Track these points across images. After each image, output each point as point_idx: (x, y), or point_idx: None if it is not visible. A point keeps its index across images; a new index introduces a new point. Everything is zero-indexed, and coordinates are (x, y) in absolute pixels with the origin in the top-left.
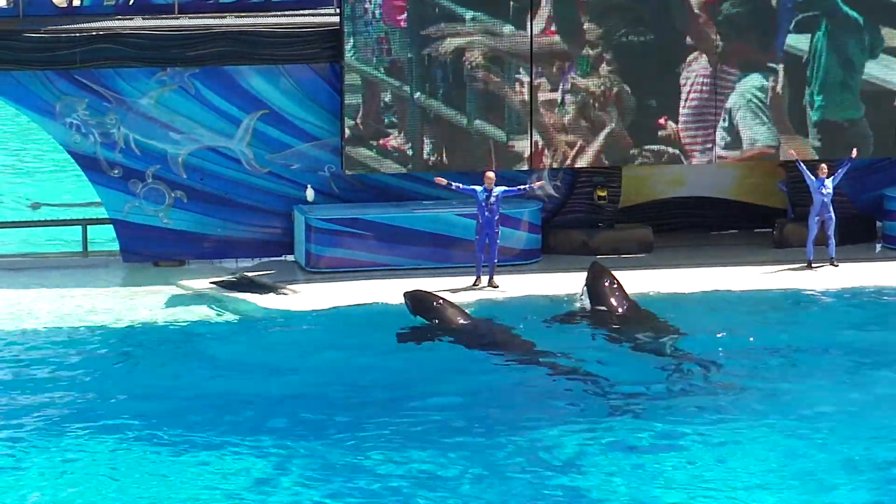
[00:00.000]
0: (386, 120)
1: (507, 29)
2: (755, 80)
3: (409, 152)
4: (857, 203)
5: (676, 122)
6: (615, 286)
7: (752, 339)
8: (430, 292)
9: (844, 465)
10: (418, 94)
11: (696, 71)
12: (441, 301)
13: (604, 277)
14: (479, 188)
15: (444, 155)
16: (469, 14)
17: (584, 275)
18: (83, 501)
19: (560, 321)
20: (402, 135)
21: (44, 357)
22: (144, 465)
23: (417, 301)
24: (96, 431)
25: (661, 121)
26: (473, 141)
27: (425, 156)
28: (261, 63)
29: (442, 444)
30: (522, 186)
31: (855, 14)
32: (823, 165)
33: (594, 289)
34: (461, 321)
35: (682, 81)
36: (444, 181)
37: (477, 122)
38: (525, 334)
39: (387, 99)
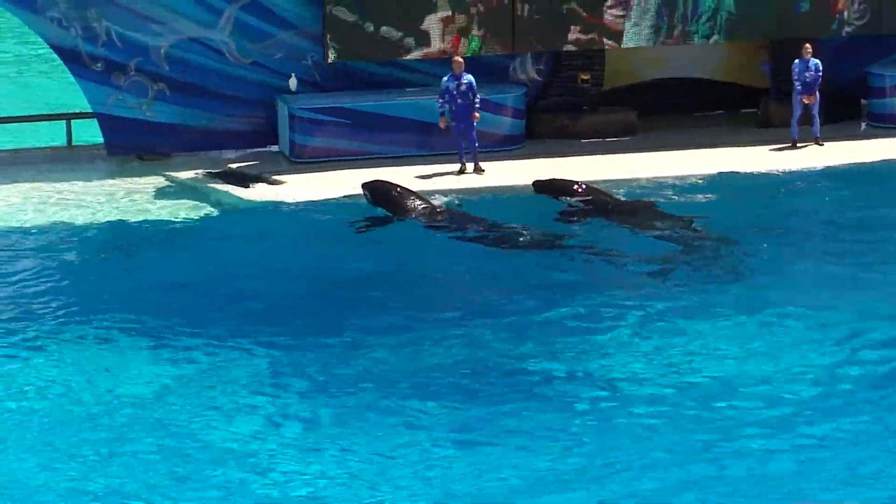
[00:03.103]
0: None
1: None
2: None
3: (392, 39)
4: (840, 82)
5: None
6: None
7: (740, 220)
8: (388, 182)
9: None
10: None
11: None
12: (399, 190)
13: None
14: (445, 78)
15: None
16: None
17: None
18: (75, 397)
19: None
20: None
21: (32, 252)
22: (132, 358)
23: (376, 191)
24: (87, 326)
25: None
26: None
27: (407, 42)
28: None
29: (433, 331)
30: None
31: None
32: (808, 45)
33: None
34: (422, 208)
35: None
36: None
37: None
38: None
39: None
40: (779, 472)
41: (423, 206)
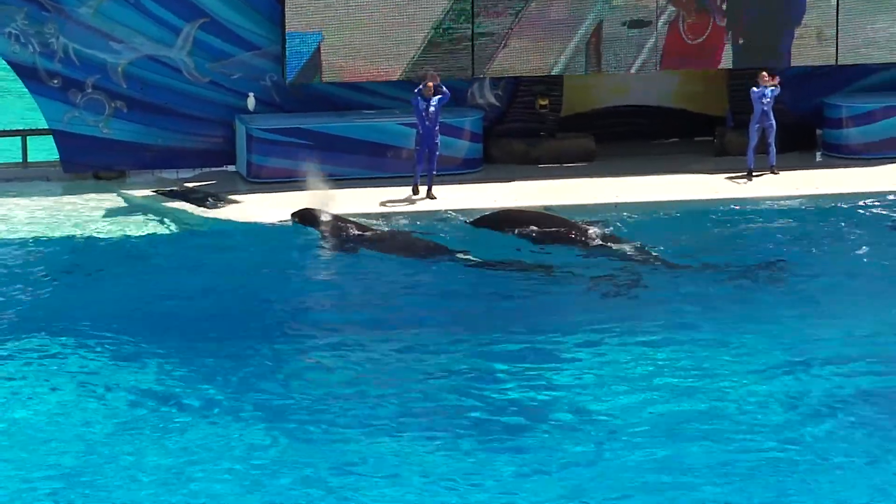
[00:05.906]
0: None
1: None
2: None
3: (350, 61)
4: (796, 111)
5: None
6: None
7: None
8: (315, 210)
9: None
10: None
11: None
12: (329, 217)
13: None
14: (416, 91)
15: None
16: None
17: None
18: (23, 410)
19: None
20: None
21: None
22: (81, 375)
23: (304, 220)
24: (38, 341)
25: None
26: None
27: (366, 64)
28: None
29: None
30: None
31: None
32: (764, 73)
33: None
34: (355, 233)
35: None
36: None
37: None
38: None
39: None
40: None
41: (356, 229)
